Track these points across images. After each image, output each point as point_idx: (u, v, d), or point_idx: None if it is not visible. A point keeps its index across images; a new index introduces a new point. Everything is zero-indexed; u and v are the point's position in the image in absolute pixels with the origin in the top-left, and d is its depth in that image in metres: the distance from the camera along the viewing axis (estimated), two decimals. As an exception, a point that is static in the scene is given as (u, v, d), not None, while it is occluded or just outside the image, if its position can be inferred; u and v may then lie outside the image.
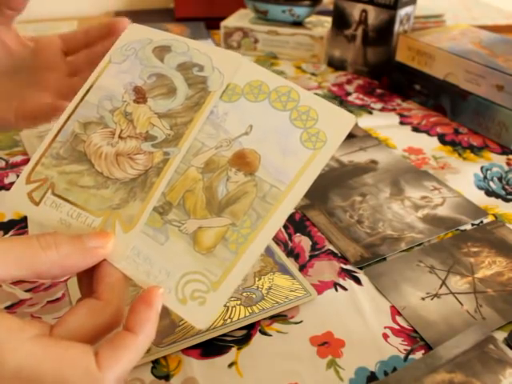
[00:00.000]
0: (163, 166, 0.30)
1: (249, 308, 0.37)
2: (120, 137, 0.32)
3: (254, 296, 0.38)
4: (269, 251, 0.42)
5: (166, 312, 0.36)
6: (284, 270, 0.41)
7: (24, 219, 0.46)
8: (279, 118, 0.31)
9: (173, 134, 0.31)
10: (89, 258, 0.27)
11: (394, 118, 0.67)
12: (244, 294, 0.38)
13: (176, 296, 0.27)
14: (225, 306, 0.37)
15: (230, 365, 0.34)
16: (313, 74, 0.81)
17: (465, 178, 0.54)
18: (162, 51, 0.33)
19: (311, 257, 0.42)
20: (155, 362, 0.33)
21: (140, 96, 0.33)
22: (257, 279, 0.40)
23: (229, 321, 0.36)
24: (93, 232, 0.28)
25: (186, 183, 0.30)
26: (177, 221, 0.29)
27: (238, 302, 0.37)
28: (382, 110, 0.69)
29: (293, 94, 0.31)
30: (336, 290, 0.39)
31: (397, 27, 0.74)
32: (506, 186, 0.53)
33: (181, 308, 0.27)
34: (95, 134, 0.32)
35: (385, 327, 0.36)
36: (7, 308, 0.36)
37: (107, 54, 0.34)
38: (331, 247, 0.44)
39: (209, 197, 0.29)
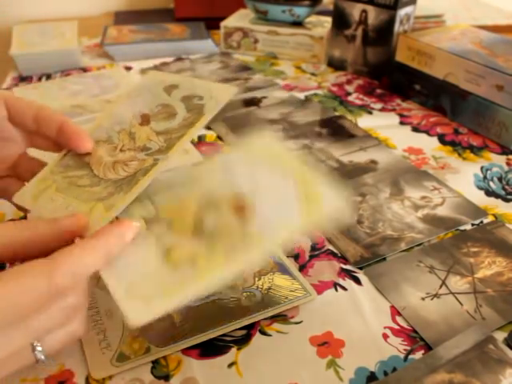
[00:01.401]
0: (151, 168, 0.34)
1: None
2: (121, 150, 0.37)
3: (254, 296, 0.38)
4: (269, 251, 0.42)
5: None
6: (284, 270, 0.41)
7: (24, 219, 0.46)
8: (286, 186, 0.33)
9: (165, 145, 0.35)
10: (62, 237, 0.29)
11: (394, 118, 0.67)
12: (244, 294, 0.38)
13: (125, 288, 0.28)
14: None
15: (230, 365, 0.34)
16: (313, 74, 0.81)
17: (465, 178, 0.54)
18: (170, 88, 0.40)
19: (311, 257, 0.42)
20: (155, 363, 0.33)
21: (145, 120, 0.38)
22: (257, 279, 0.40)
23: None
24: (68, 214, 0.31)
25: (180, 207, 0.32)
26: (159, 231, 0.31)
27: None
28: (382, 110, 0.69)
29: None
30: (336, 290, 0.39)
31: (397, 27, 0.74)
32: (506, 186, 0.53)
33: (124, 299, 0.28)
34: (101, 149, 0.37)
35: (385, 327, 0.36)
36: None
37: (126, 90, 0.41)
38: (331, 247, 0.44)
39: (196, 223, 0.31)
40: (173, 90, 0.39)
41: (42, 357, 0.27)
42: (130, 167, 0.35)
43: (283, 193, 0.32)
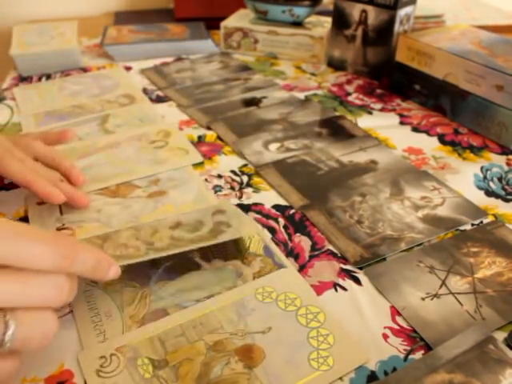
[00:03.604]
0: (137, 256, 0.37)
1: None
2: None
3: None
4: (268, 251, 0.42)
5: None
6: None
7: (25, 219, 0.46)
8: (299, 331, 0.34)
9: (165, 247, 0.38)
10: None
11: (394, 118, 0.67)
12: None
13: None
14: None
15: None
16: (313, 74, 0.81)
17: (465, 178, 0.54)
18: (217, 212, 0.43)
19: (311, 257, 0.42)
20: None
21: (175, 226, 0.41)
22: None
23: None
24: None
25: (190, 351, 0.32)
26: (164, 379, 0.31)
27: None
28: (382, 110, 0.69)
29: (320, 316, 0.35)
30: (336, 290, 0.39)
31: (397, 27, 0.74)
32: (506, 186, 0.53)
33: None
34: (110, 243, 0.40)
35: (384, 327, 0.36)
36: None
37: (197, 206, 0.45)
38: (331, 247, 0.44)
39: (202, 372, 0.31)
40: (218, 214, 0.43)
41: (10, 330, 0.25)
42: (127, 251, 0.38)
43: (296, 338, 0.33)
